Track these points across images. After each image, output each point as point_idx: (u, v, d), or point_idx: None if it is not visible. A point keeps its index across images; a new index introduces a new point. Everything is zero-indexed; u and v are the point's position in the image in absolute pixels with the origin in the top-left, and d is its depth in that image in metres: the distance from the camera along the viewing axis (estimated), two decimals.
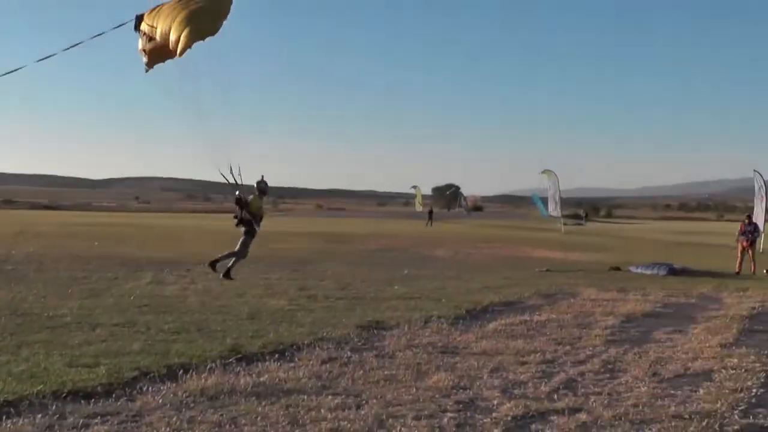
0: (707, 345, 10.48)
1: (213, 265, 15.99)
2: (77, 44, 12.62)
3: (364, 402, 7.15)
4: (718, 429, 6.55)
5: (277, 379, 7.95)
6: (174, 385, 7.57)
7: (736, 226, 27.21)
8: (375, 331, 11.10)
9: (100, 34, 12.48)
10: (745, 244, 25.51)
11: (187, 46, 11.17)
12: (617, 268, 24.06)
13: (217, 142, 13.03)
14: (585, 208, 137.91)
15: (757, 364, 9.22)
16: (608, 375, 8.62)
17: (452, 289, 16.97)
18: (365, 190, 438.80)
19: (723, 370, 8.81)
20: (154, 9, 12.13)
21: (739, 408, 7.22)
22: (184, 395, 7.18)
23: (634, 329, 11.89)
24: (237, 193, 15.00)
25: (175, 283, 16.64)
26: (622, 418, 6.77)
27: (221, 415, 6.62)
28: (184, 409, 6.77)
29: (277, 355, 9.16)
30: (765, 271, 24.49)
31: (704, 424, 6.62)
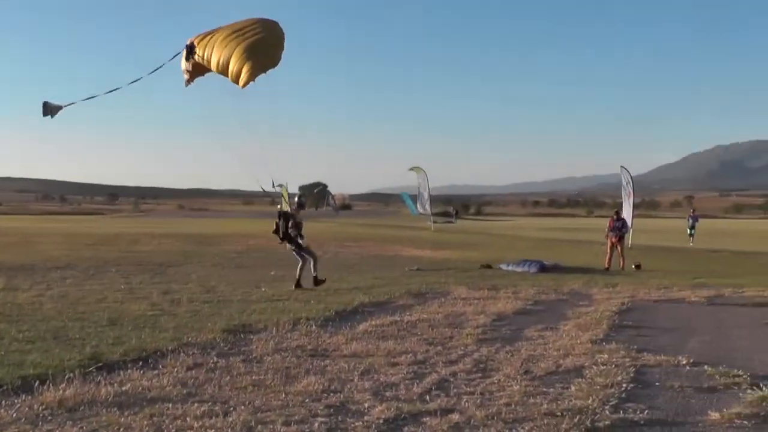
0: (578, 341, 10.63)
1: (299, 285, 16.91)
2: (137, 80, 12.90)
3: (231, 409, 6.90)
4: (589, 425, 6.57)
5: (140, 388, 7.61)
6: (29, 397, 7.13)
7: (606, 222, 27.95)
8: (242, 335, 10.83)
9: (159, 68, 12.80)
10: (614, 239, 26.25)
11: (251, 79, 11.84)
12: (488, 266, 24.38)
13: (264, 158, 14.30)
14: (455, 206, 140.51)
15: (627, 359, 9.39)
16: (480, 374, 8.58)
17: (321, 289, 16.78)
18: (229, 189, 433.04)
19: (594, 366, 8.92)
20: (206, 36, 12.11)
21: (610, 403, 7.30)
22: (40, 408, 6.78)
23: (505, 327, 11.96)
24: (279, 207, 17.01)
25: (29, 290, 15.89)
26: (495, 418, 6.73)
27: (81, 427, 6.27)
28: (40, 423, 6.38)
29: (140, 363, 8.80)
30: (634, 266, 25.32)
31: (576, 420, 6.65)
